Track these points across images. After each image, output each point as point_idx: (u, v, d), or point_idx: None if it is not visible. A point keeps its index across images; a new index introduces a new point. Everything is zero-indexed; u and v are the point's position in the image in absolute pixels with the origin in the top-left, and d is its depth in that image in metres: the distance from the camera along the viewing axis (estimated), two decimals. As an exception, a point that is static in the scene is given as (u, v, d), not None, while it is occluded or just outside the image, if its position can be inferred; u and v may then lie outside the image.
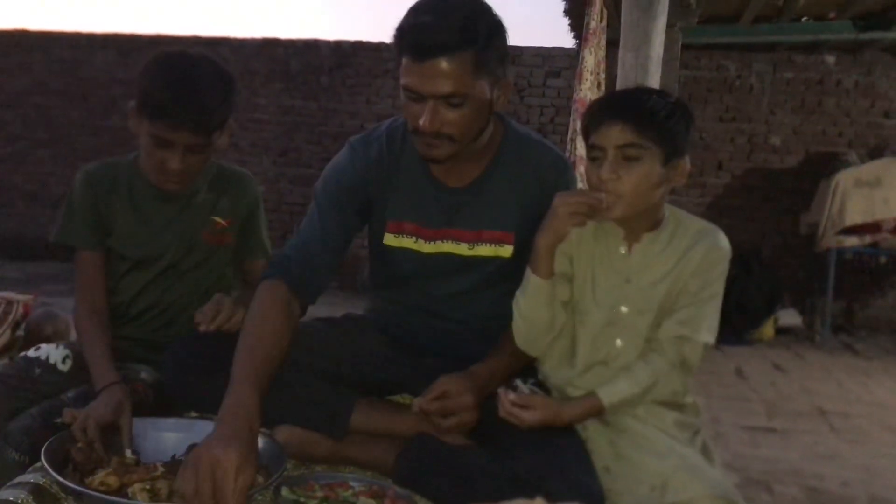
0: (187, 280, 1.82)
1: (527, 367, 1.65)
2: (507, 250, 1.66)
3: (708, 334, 1.51)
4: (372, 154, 1.68)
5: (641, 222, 1.53)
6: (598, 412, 1.48)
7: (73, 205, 1.79)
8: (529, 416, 1.42)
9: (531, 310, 1.53)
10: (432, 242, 1.67)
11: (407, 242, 1.69)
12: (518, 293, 1.55)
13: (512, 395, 1.45)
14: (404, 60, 1.47)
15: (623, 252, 1.54)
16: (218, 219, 1.81)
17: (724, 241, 1.54)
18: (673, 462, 1.41)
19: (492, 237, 1.66)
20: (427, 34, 1.43)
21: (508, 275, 1.64)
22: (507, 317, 1.59)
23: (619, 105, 1.48)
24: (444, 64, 1.43)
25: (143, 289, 1.80)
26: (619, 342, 1.55)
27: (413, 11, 1.48)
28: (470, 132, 1.54)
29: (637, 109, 1.45)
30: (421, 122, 1.48)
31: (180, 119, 1.59)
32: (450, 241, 1.67)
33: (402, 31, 1.47)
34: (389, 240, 1.70)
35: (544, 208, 1.57)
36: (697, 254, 1.51)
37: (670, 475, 1.38)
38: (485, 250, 1.67)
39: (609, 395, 1.46)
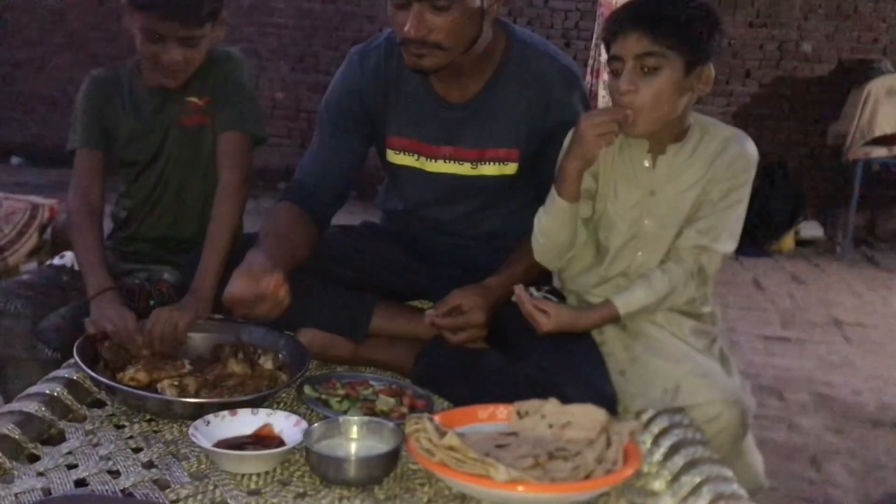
0: (188, 169, 1.80)
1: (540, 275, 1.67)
2: (511, 168, 1.63)
3: (728, 243, 1.50)
4: (369, 65, 1.65)
5: (666, 133, 1.49)
6: (614, 320, 1.49)
7: (77, 110, 1.79)
8: (545, 322, 1.44)
9: (552, 230, 1.52)
10: (434, 161, 1.65)
11: (409, 160, 1.67)
12: (541, 210, 1.53)
13: (532, 293, 1.46)
14: None
15: (647, 165, 1.52)
16: (192, 99, 1.76)
17: (751, 147, 1.50)
18: (686, 367, 1.43)
19: (495, 156, 1.63)
20: None
21: (516, 191, 1.62)
22: (519, 231, 1.59)
23: (636, 13, 1.42)
24: None
25: (153, 187, 1.82)
26: (640, 255, 1.55)
27: None
28: (459, 39, 1.47)
29: (654, 16, 1.39)
30: (406, 28, 1.42)
31: (169, 9, 1.58)
32: (452, 161, 1.64)
33: None
34: (392, 156, 1.69)
35: (551, 122, 1.56)
36: (724, 161, 1.48)
37: (683, 379, 1.40)
38: (489, 169, 1.64)
39: (625, 303, 1.47)
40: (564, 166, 1.46)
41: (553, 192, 1.49)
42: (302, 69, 7.15)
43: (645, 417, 1.39)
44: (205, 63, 1.73)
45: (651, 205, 1.52)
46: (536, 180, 1.61)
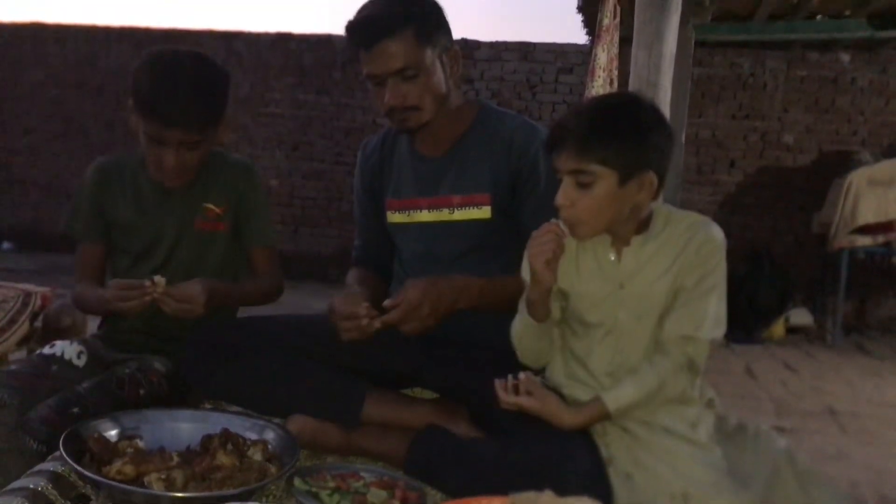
0: (187, 269, 1.81)
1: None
2: (485, 211, 1.74)
3: (712, 330, 1.46)
4: (370, 148, 1.92)
5: (625, 228, 1.48)
6: (603, 418, 1.45)
7: (80, 198, 1.83)
8: (526, 401, 1.42)
9: (527, 341, 1.54)
10: (419, 211, 1.79)
11: (402, 217, 1.81)
12: (516, 319, 1.55)
13: (519, 377, 1.45)
14: (360, 54, 1.66)
15: (612, 258, 1.50)
16: (210, 205, 1.82)
17: (716, 232, 1.48)
18: (693, 473, 1.37)
19: (470, 201, 1.75)
20: (370, 24, 1.64)
21: (496, 238, 1.74)
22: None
23: (565, 132, 1.43)
24: (390, 44, 1.61)
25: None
26: (619, 351, 1.51)
27: (357, 11, 1.68)
28: (433, 99, 1.68)
29: (580, 135, 1.40)
30: (386, 99, 1.65)
31: (169, 118, 1.63)
32: (434, 210, 1.78)
33: (351, 28, 1.66)
34: (391, 217, 1.84)
35: (514, 166, 1.71)
36: (692, 248, 1.46)
37: (691, 489, 1.34)
38: (465, 214, 1.75)
39: (615, 400, 1.43)
40: (527, 295, 1.49)
41: (522, 304, 1.51)
42: (296, 157, 7.29)
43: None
44: (223, 170, 1.82)
45: (623, 297, 1.49)
46: (511, 227, 1.73)
